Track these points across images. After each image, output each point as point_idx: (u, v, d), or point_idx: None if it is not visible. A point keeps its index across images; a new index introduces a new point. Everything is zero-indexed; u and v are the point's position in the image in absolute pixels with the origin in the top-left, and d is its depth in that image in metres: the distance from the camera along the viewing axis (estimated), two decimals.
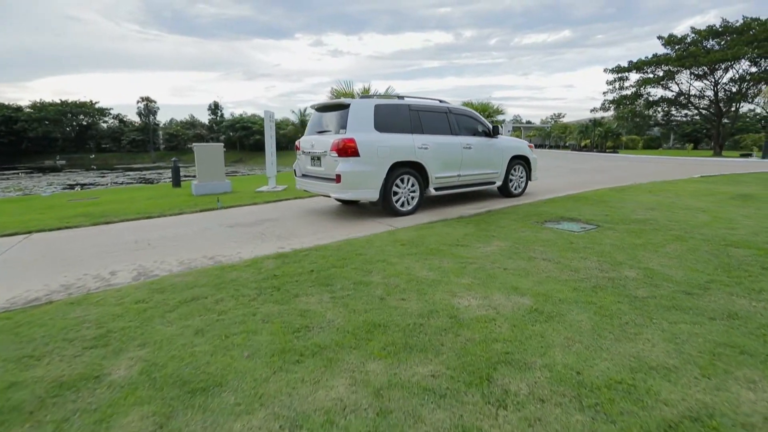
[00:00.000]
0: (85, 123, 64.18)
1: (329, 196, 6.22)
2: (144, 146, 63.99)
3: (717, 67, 29.26)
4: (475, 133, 7.18)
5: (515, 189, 7.86)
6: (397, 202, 6.07)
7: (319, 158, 6.10)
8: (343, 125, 5.77)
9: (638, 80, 33.05)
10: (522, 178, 7.98)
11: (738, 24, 28.36)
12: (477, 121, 7.35)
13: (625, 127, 40.56)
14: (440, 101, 7.07)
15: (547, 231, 4.91)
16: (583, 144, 41.07)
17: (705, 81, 31.14)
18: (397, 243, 4.51)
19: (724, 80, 30.31)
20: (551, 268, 3.53)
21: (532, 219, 5.64)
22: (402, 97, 6.50)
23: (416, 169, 6.19)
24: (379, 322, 2.55)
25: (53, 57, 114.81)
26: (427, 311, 2.70)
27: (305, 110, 64.60)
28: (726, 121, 32.40)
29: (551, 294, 2.92)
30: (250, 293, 3.09)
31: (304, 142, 6.54)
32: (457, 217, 6.03)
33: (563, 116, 71.29)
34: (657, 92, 33.48)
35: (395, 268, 3.59)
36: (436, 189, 6.54)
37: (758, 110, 36.05)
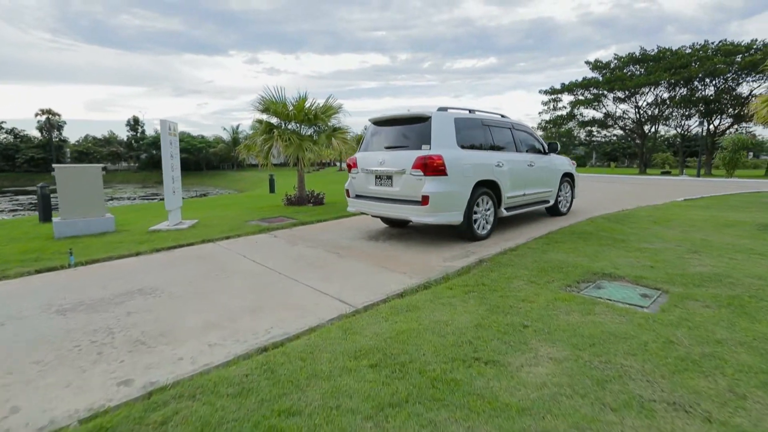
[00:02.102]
0: None
1: (406, 221, 5.67)
2: (46, 165, 55.69)
3: (636, 91, 31.15)
4: (533, 150, 6.85)
5: (563, 207, 7.60)
6: (475, 224, 5.50)
7: (390, 177, 5.48)
8: (424, 140, 5.18)
9: (571, 101, 34.38)
10: (568, 196, 7.76)
11: (654, 53, 30.47)
12: (533, 137, 7.04)
13: None
14: (502, 116, 6.55)
15: (600, 307, 3.07)
16: None
17: (627, 103, 33.06)
18: (359, 356, 2.40)
19: (643, 103, 32.38)
20: None
21: (553, 277, 3.82)
22: (473, 111, 5.99)
23: (492, 189, 5.70)
24: None
25: None
26: None
27: (238, 127, 60.78)
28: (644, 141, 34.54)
29: None
30: None
31: (367, 158, 5.82)
32: (441, 276, 4.05)
33: None
34: (588, 113, 35.05)
35: None
36: (506, 209, 6.04)
37: (664, 132, 39.16)
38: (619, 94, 32.51)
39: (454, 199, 5.15)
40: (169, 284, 4.02)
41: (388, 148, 5.69)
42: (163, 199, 7.44)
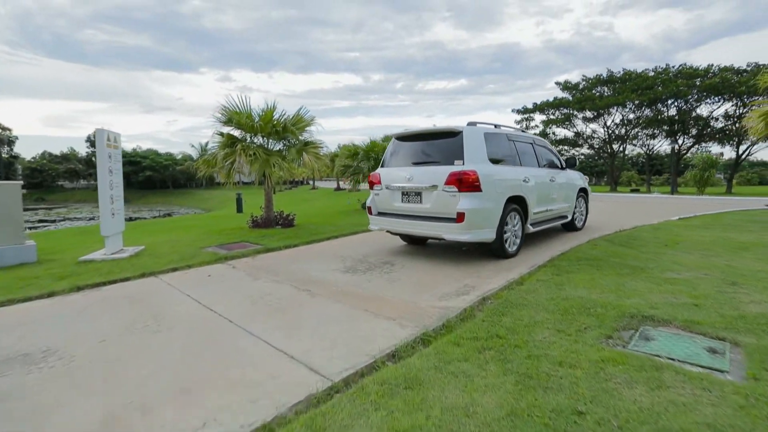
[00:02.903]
0: None
1: (439, 239, 5.29)
2: None
3: (605, 111, 32.01)
4: (552, 165, 6.78)
5: (579, 223, 7.63)
6: (506, 242, 5.35)
7: (419, 193, 5.34)
8: (456, 155, 5.04)
9: (543, 120, 35.00)
10: (584, 211, 7.78)
11: (620, 74, 31.51)
12: (552, 153, 7.03)
13: None
14: (522, 130, 6.60)
15: (668, 374, 2.25)
16: None
17: (596, 123, 33.90)
18: None
19: (611, 123, 33.28)
20: None
21: (584, 322, 3.01)
22: (497, 126, 5.89)
23: (519, 205, 5.56)
24: None
25: None
26: None
27: (207, 144, 58.76)
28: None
29: None
30: None
31: (391, 174, 5.66)
32: (440, 323, 3.17)
33: None
34: (560, 132, 35.72)
35: None
36: (531, 225, 5.92)
37: (629, 151, 40.45)
38: (589, 114, 33.30)
39: (488, 215, 4.99)
40: (72, 344, 2.93)
41: (416, 163, 5.48)
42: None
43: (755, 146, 29.42)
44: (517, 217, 5.52)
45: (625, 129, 33.10)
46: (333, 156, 23.68)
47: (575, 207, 7.35)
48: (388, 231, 5.96)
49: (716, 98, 27.81)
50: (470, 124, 5.38)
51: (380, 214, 5.90)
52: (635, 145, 36.33)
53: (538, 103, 35.03)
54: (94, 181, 61.21)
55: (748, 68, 26.91)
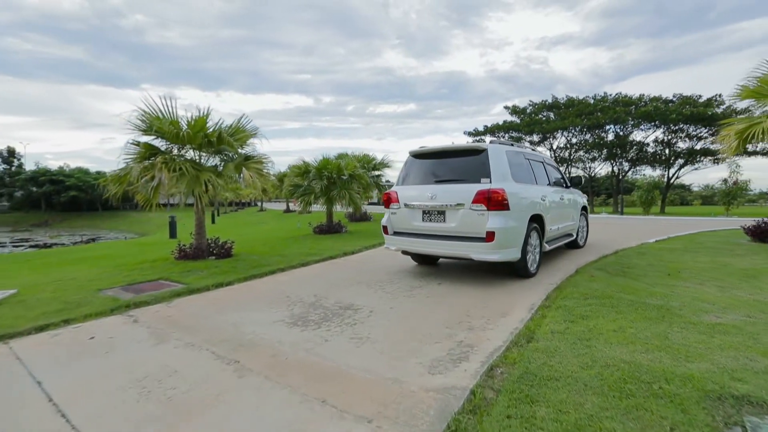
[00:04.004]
0: None
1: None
2: None
3: (551, 135, 33.29)
4: (559, 184, 6.76)
5: (581, 241, 7.69)
6: (528, 261, 5.14)
7: (443, 212, 5.11)
8: (483, 174, 4.89)
9: (492, 142, 35.72)
10: (584, 229, 7.86)
11: (564, 100, 33.03)
12: (559, 171, 7.08)
13: None
14: (533, 149, 6.57)
15: None
16: None
17: (543, 146, 35.15)
18: None
19: (556, 146, 34.67)
20: None
21: (663, 413, 1.98)
22: (513, 144, 5.80)
23: (538, 224, 5.44)
24: None
25: None
26: None
27: (119, 157, 54.10)
28: None
29: None
30: None
31: (410, 192, 5.44)
32: (442, 427, 2.00)
33: None
34: None
35: None
36: (547, 243, 5.83)
37: (569, 173, 42.48)
38: (535, 138, 34.44)
39: (515, 234, 4.88)
40: None
41: (439, 181, 5.30)
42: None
43: (682, 170, 31.79)
44: (536, 235, 5.39)
45: (569, 152, 34.55)
46: (282, 176, 22.11)
47: (579, 225, 7.50)
48: (404, 252, 5.85)
49: (649, 125, 29.76)
50: (492, 141, 5.37)
51: (396, 233, 5.65)
52: (578, 168, 38.04)
53: (489, 125, 35.79)
54: (6, 202, 54.09)
55: (674, 98, 29.18)
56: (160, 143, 6.87)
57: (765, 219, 7.64)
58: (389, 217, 5.75)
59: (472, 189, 4.85)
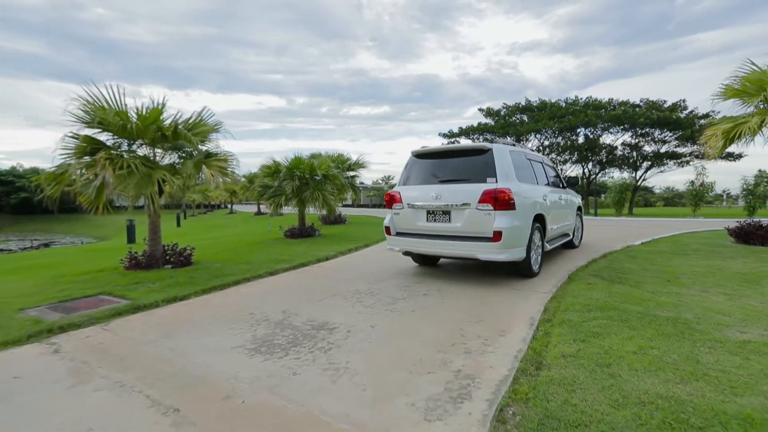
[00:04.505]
0: None
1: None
2: None
3: (524, 137, 33.64)
4: (556, 184, 6.83)
5: (576, 241, 7.76)
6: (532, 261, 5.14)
7: (448, 212, 5.08)
8: (488, 173, 4.89)
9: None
10: (579, 228, 7.90)
11: (537, 103, 33.46)
12: (555, 172, 7.13)
13: None
14: (532, 150, 6.68)
15: None
16: None
17: None
18: None
19: (529, 148, 35.08)
20: None
21: None
22: (515, 144, 5.87)
23: (540, 223, 5.45)
24: None
25: None
26: None
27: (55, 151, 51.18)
28: None
29: None
30: None
31: (414, 192, 5.40)
32: None
33: (392, 178, 75.60)
34: None
35: None
36: (548, 243, 5.82)
37: None
38: (509, 140, 34.72)
39: (521, 234, 4.87)
40: None
41: (443, 181, 5.26)
42: None
43: (648, 172, 32.80)
44: (538, 235, 5.39)
45: (542, 154, 35.04)
46: (253, 177, 21.12)
47: (575, 225, 7.61)
48: (407, 252, 5.75)
49: (618, 128, 30.50)
50: (495, 142, 5.44)
51: (400, 234, 5.57)
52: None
53: (463, 127, 35.84)
54: None
55: (641, 103, 30.05)
56: (106, 137, 6.04)
57: (748, 220, 7.57)
58: (392, 217, 5.65)
59: (478, 189, 4.83)
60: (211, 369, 2.72)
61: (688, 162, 29.56)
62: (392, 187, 56.95)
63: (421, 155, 5.66)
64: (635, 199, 60.71)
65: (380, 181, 74.09)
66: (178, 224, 24.31)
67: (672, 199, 68.49)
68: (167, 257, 6.56)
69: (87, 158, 5.70)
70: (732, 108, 7.06)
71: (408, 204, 5.43)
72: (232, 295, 4.80)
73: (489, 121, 34.99)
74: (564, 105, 32.06)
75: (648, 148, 31.23)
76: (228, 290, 5.05)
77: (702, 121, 28.29)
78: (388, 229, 5.69)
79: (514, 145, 5.74)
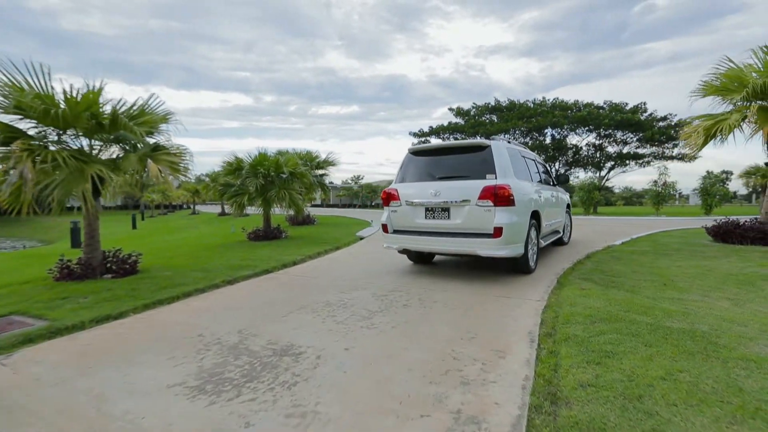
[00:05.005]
0: None
1: (471, 256, 4.95)
2: None
3: (491, 137, 33.91)
4: (547, 181, 6.84)
5: (565, 237, 7.84)
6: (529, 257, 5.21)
7: (447, 209, 5.04)
8: (487, 170, 4.88)
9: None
10: (568, 225, 8.04)
11: (506, 104, 33.83)
12: (546, 169, 7.18)
13: None
14: (524, 148, 6.53)
15: None
16: None
17: None
18: None
19: None
20: None
21: None
22: (510, 141, 6.07)
23: (536, 220, 5.48)
24: None
25: None
26: None
27: None
28: None
29: None
30: None
31: (412, 189, 5.35)
32: None
33: (362, 178, 74.96)
34: None
35: None
36: (542, 239, 5.91)
37: None
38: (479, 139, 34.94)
39: (520, 230, 4.86)
40: None
41: (442, 178, 5.23)
42: None
43: (611, 172, 33.88)
44: (534, 231, 5.39)
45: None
46: (216, 175, 19.94)
47: (564, 222, 7.78)
48: (406, 250, 5.63)
49: (584, 129, 31.27)
50: (492, 138, 5.50)
51: (397, 231, 5.52)
52: None
53: (434, 126, 35.76)
54: None
55: (605, 105, 30.95)
56: (27, 125, 5.12)
57: (725, 218, 7.54)
58: (389, 215, 5.59)
59: (478, 185, 4.79)
60: (135, 422, 2.06)
61: (648, 162, 30.68)
62: (362, 187, 56.15)
63: (417, 152, 5.63)
64: (597, 198, 62.94)
65: (350, 181, 73.22)
66: (134, 226, 22.68)
67: (630, 199, 71.57)
68: (108, 265, 5.69)
69: (1, 149, 4.77)
70: (705, 108, 7.04)
71: (406, 201, 5.38)
72: (179, 312, 4.08)
73: (459, 120, 35.10)
74: (532, 106, 32.59)
75: (611, 149, 32.21)
76: (175, 305, 4.32)
77: (661, 123, 29.46)
78: (385, 227, 5.61)
79: (510, 142, 5.84)
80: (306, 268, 6.38)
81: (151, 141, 6.01)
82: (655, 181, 20.38)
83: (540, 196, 5.78)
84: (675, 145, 29.19)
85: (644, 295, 4.06)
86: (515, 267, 5.26)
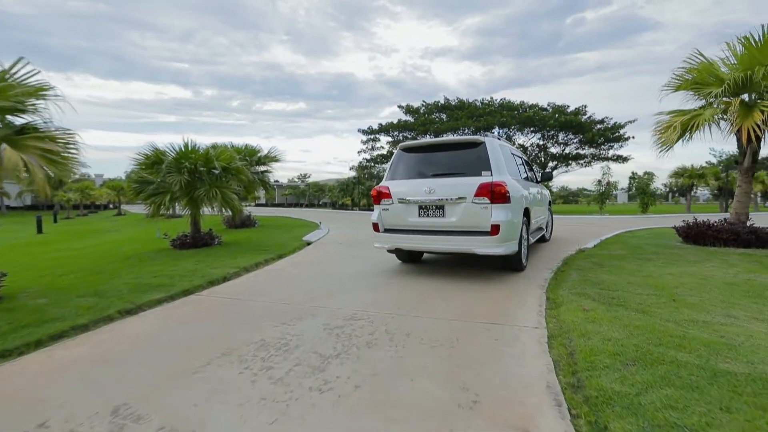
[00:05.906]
0: None
1: (467, 254, 4.86)
2: None
3: (441, 135, 33.90)
4: (532, 179, 6.76)
5: (548, 234, 7.95)
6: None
7: (441, 207, 4.91)
8: (482, 166, 4.80)
9: (389, 141, 35.24)
10: (550, 223, 8.12)
11: (455, 102, 33.89)
12: (530, 167, 7.13)
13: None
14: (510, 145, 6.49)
15: None
16: (341, 202, 40.45)
17: None
18: None
19: None
20: None
21: None
22: (499, 138, 6.53)
23: (527, 217, 5.43)
24: None
25: None
26: None
27: None
28: None
29: None
30: None
31: (404, 187, 5.19)
32: None
33: (309, 176, 72.64)
34: None
35: None
36: (531, 236, 5.92)
37: None
38: (428, 138, 34.77)
39: (515, 227, 4.77)
40: None
41: (436, 175, 5.06)
42: None
43: (554, 172, 35.15)
44: (525, 228, 5.32)
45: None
46: (132, 179, 17.56)
47: (547, 219, 7.81)
48: (397, 249, 5.53)
49: (529, 129, 32.06)
50: (485, 135, 5.58)
51: (389, 230, 5.35)
52: None
53: (383, 124, 35.01)
54: None
55: (548, 107, 31.95)
56: None
57: (697, 218, 7.29)
58: (380, 213, 5.41)
59: (474, 182, 4.69)
60: None
61: (589, 163, 32.10)
62: (309, 185, 54.19)
63: (409, 149, 5.51)
64: None
65: (296, 179, 70.76)
66: (40, 230, 19.49)
67: (567, 197, 75.96)
68: None
69: None
70: (670, 105, 6.72)
71: (399, 199, 5.21)
72: (32, 368, 2.72)
73: (409, 118, 34.59)
74: (480, 105, 32.86)
75: (554, 150, 33.36)
76: (32, 356, 2.94)
77: (598, 126, 30.91)
78: (376, 226, 5.44)
79: (499, 138, 5.80)
80: (238, 285, 5.11)
81: (16, 121, 4.43)
82: (599, 181, 21.06)
83: (529, 193, 5.74)
84: (611, 147, 30.78)
85: (660, 316, 3.34)
86: (507, 264, 5.22)
